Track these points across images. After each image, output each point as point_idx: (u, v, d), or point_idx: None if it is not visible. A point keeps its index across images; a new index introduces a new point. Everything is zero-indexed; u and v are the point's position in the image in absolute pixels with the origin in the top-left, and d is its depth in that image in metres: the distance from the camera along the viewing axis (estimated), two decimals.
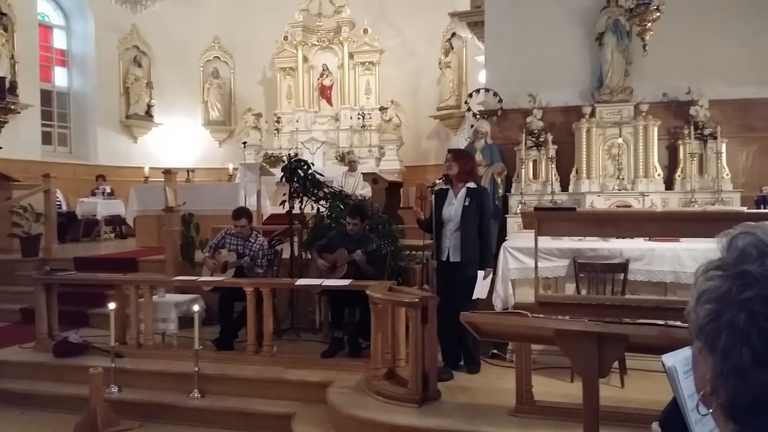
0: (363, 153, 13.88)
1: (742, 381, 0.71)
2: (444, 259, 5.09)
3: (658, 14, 6.89)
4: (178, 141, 15.44)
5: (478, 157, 7.46)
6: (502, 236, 6.68)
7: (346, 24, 14.63)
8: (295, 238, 6.90)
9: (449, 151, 5.52)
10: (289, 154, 8.58)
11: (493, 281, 5.14)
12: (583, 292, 5.13)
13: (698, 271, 0.81)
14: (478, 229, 5.01)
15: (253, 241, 6.26)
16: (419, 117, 14.81)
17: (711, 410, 0.76)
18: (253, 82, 15.94)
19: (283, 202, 6.96)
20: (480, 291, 4.91)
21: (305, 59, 14.90)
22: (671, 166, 7.59)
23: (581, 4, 7.87)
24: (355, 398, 4.58)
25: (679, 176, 7.44)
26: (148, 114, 15.11)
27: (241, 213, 6.32)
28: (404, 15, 14.56)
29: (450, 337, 5.00)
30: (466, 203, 5.03)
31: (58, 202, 10.14)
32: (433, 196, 5.20)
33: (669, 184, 7.46)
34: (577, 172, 7.64)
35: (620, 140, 7.48)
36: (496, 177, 7.76)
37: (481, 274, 4.93)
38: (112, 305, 5.45)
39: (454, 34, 13.45)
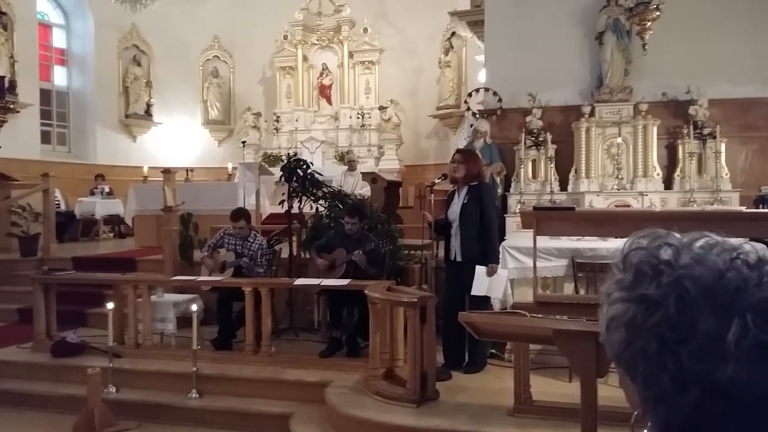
0: (362, 152, 13.86)
1: (668, 405, 0.70)
2: (452, 258, 5.10)
3: (657, 14, 6.89)
4: (177, 140, 15.43)
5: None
6: (501, 236, 6.67)
7: (346, 23, 14.61)
8: (294, 238, 6.89)
9: (458, 151, 5.48)
10: (289, 154, 8.58)
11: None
12: (582, 291, 5.13)
13: (603, 293, 0.79)
14: (480, 226, 4.98)
15: (251, 240, 6.25)
16: (419, 116, 14.79)
17: (646, 431, 0.75)
18: (252, 82, 15.93)
19: (282, 202, 6.95)
20: (479, 287, 4.88)
21: (305, 58, 14.88)
22: (670, 165, 7.59)
23: (581, 4, 7.87)
24: (354, 398, 4.58)
25: (678, 176, 7.45)
26: (148, 113, 15.10)
27: (240, 214, 6.30)
28: (404, 14, 14.54)
29: (454, 337, 4.99)
30: (465, 201, 5.03)
31: (56, 202, 10.12)
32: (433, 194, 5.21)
33: (668, 184, 7.46)
34: (576, 172, 7.64)
35: (619, 140, 7.48)
36: (495, 176, 7.76)
37: (481, 270, 4.91)
38: (110, 305, 5.44)
39: (453, 34, 13.44)
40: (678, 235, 0.76)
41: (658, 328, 0.70)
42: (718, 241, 0.74)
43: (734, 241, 0.74)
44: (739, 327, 0.67)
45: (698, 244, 0.74)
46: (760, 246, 0.81)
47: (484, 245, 4.97)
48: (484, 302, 4.92)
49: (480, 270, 4.90)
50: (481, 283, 4.90)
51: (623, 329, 0.73)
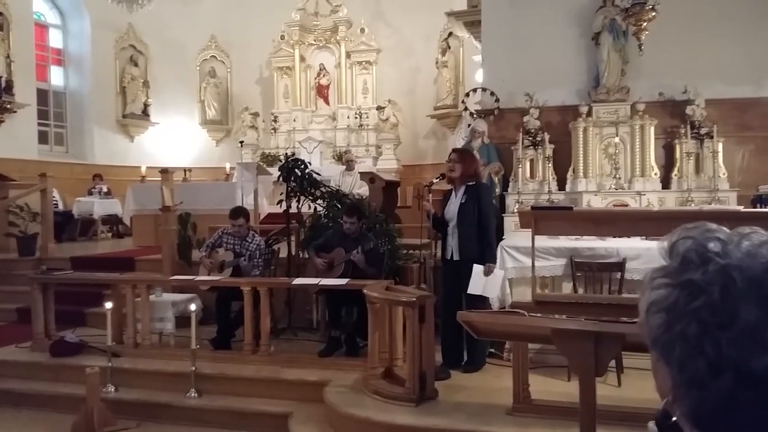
0: (360, 152, 13.88)
1: (701, 390, 0.71)
2: (449, 258, 5.12)
3: (653, 14, 6.91)
4: (174, 140, 15.42)
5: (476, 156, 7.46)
6: (499, 235, 6.68)
7: (343, 23, 14.62)
8: (293, 238, 6.89)
9: (454, 150, 5.50)
10: (286, 154, 8.59)
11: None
12: (580, 291, 5.14)
13: (645, 279, 0.80)
14: (478, 226, 5.00)
15: (250, 240, 6.26)
16: (416, 116, 14.81)
17: (675, 417, 0.76)
18: (250, 82, 15.92)
19: (280, 202, 6.95)
20: (476, 286, 4.90)
21: (302, 58, 14.89)
22: (668, 165, 7.61)
23: (577, 4, 7.88)
24: (353, 397, 4.58)
25: (675, 175, 7.47)
26: (145, 113, 15.08)
27: (238, 213, 6.31)
28: (401, 14, 14.55)
29: (452, 336, 5.00)
30: (463, 201, 5.04)
31: (54, 202, 10.10)
32: (431, 194, 5.22)
33: (665, 184, 7.48)
34: (573, 172, 7.65)
35: (617, 139, 7.49)
36: (493, 176, 7.77)
37: (479, 269, 4.92)
38: (108, 305, 5.44)
39: (451, 34, 13.45)
40: (728, 230, 0.77)
41: (700, 312, 0.71)
42: None
43: None
44: None
45: (747, 240, 0.75)
46: None
47: (482, 245, 4.98)
48: (481, 301, 4.93)
49: (477, 269, 4.91)
50: (478, 282, 4.91)
51: (663, 313, 0.75)
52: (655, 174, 7.47)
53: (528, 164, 7.84)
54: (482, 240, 4.99)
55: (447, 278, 5.17)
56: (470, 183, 5.11)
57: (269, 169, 10.76)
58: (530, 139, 7.76)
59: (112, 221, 12.15)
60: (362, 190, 10.13)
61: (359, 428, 4.27)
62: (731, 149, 7.49)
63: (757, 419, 0.69)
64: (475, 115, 8.38)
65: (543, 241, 5.29)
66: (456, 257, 5.05)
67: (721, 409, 0.71)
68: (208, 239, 6.56)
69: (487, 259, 4.96)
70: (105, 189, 12.19)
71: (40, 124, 13.27)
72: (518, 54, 8.06)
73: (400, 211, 10.55)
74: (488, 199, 5.23)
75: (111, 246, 10.50)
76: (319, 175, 7.08)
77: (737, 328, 0.69)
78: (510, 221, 7.22)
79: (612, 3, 7.66)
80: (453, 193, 5.18)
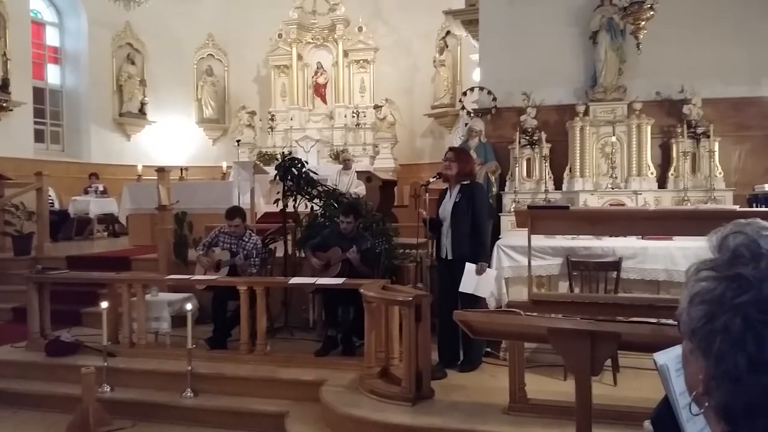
0: (357, 151, 13.88)
1: (736, 385, 0.71)
2: (443, 257, 5.12)
3: (651, 13, 6.90)
4: (171, 139, 15.39)
5: (472, 155, 7.45)
6: (495, 235, 6.68)
7: (341, 22, 14.60)
8: (289, 237, 6.88)
9: (451, 149, 5.49)
10: (283, 153, 8.58)
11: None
12: (577, 290, 5.14)
13: (690, 271, 0.79)
14: (471, 225, 5.00)
15: (246, 239, 6.25)
16: (414, 115, 14.80)
17: (702, 410, 0.75)
18: (247, 80, 15.91)
19: (276, 201, 6.94)
20: (467, 285, 4.89)
21: (299, 57, 14.87)
22: (664, 164, 7.61)
23: (575, 3, 7.88)
24: (349, 397, 4.58)
25: (672, 175, 7.47)
26: (142, 112, 15.06)
27: (235, 213, 6.30)
28: (399, 13, 14.55)
29: (448, 335, 5.00)
30: (457, 199, 5.04)
31: (50, 201, 10.09)
32: (428, 194, 5.22)
33: (662, 183, 7.48)
34: (570, 171, 7.65)
35: (614, 139, 7.49)
36: (489, 175, 7.77)
37: (471, 267, 4.92)
38: (104, 304, 5.42)
39: (448, 33, 13.44)
40: None
41: (747, 307, 0.70)
42: None
43: None
44: None
45: None
46: None
47: (475, 244, 4.99)
48: (476, 300, 4.93)
49: (469, 267, 4.91)
50: (470, 280, 4.90)
51: (707, 304, 0.74)
52: (652, 173, 7.47)
53: (525, 163, 7.84)
54: (475, 239, 4.98)
55: (441, 277, 5.17)
56: (465, 182, 5.11)
57: (266, 168, 10.76)
58: (527, 138, 7.76)
59: (108, 220, 12.13)
60: (359, 189, 10.12)
61: (355, 427, 4.26)
62: (728, 148, 7.49)
63: None
64: (472, 114, 8.37)
65: (539, 241, 5.29)
66: (450, 256, 5.06)
67: (756, 405, 0.70)
68: (205, 238, 6.55)
69: (480, 258, 4.96)
70: (101, 188, 12.17)
71: (36, 123, 13.24)
72: (516, 53, 8.06)
73: (397, 210, 10.57)
74: (482, 198, 5.23)
75: (107, 245, 10.48)
76: (316, 174, 7.07)
77: None
78: (506, 220, 7.22)
79: (610, 2, 7.65)
80: (448, 192, 5.18)
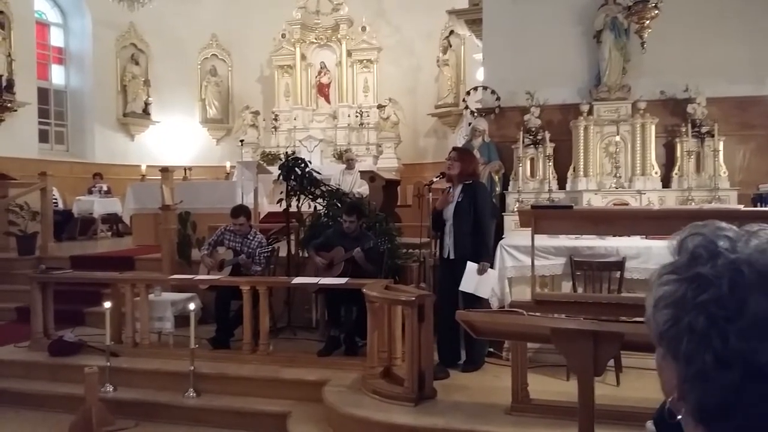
0: (361, 151, 13.87)
1: (707, 384, 0.71)
2: (446, 256, 5.11)
3: (656, 12, 6.88)
4: (175, 139, 15.41)
5: (476, 155, 7.44)
6: (499, 234, 6.67)
7: (344, 22, 14.60)
8: (292, 237, 6.88)
9: (454, 149, 5.48)
10: (287, 152, 8.57)
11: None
12: (580, 290, 5.12)
13: (653, 276, 0.80)
14: (473, 225, 4.99)
15: (251, 238, 6.25)
16: (417, 115, 14.79)
17: (680, 416, 0.75)
18: (250, 80, 15.92)
19: (280, 200, 6.94)
20: (468, 284, 4.88)
21: (303, 57, 14.87)
22: (668, 164, 7.59)
23: (579, 2, 7.86)
24: (352, 397, 4.57)
25: (676, 174, 7.44)
26: (146, 112, 15.08)
27: (240, 211, 6.31)
28: (402, 13, 14.54)
29: (448, 335, 4.99)
30: (459, 199, 5.04)
31: (54, 201, 10.11)
32: (432, 193, 5.21)
33: (666, 182, 7.46)
34: (574, 170, 7.63)
35: (618, 138, 7.47)
36: (493, 175, 7.75)
37: (472, 266, 4.91)
38: (107, 304, 5.43)
39: (452, 32, 13.44)
40: (737, 228, 0.77)
41: (708, 305, 0.71)
42: None
43: None
44: None
45: (756, 238, 0.75)
46: None
47: (477, 243, 4.98)
48: (479, 300, 4.91)
49: (470, 267, 4.91)
50: (471, 279, 4.90)
51: (671, 307, 0.75)
52: (656, 173, 7.45)
53: (528, 163, 7.82)
54: (477, 238, 4.97)
55: (443, 277, 5.16)
56: (467, 182, 5.10)
57: (269, 168, 10.76)
58: (531, 137, 7.75)
59: (112, 220, 12.15)
60: (362, 189, 10.11)
61: (358, 428, 4.26)
62: (732, 148, 7.46)
63: (764, 413, 0.69)
64: (475, 114, 8.36)
65: (543, 240, 5.27)
66: (452, 255, 5.05)
67: (728, 404, 0.70)
68: (209, 238, 6.55)
69: (482, 257, 4.95)
70: (105, 188, 12.19)
71: (40, 123, 13.27)
72: (519, 52, 8.04)
73: (401, 210, 10.55)
74: (485, 198, 5.22)
75: (110, 245, 10.50)
76: (320, 173, 7.06)
77: (745, 321, 0.69)
78: (510, 220, 7.21)
79: (614, 1, 7.63)
80: (451, 191, 5.17)
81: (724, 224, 0.78)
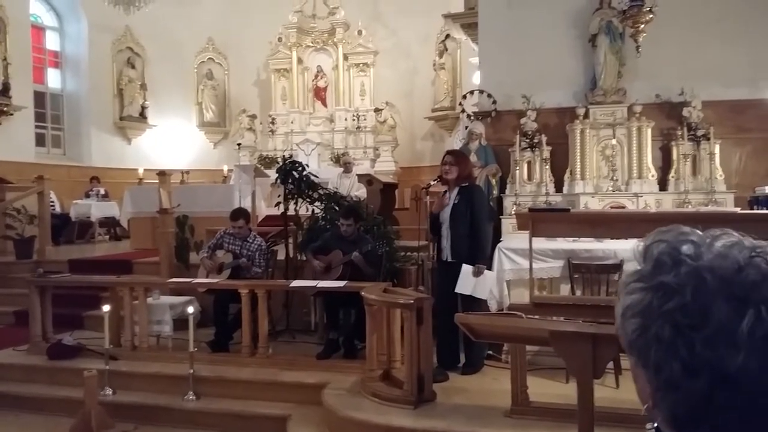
0: (358, 154, 13.89)
1: (677, 393, 0.71)
2: (443, 259, 5.13)
3: (651, 16, 6.91)
4: (172, 142, 15.40)
5: (473, 158, 7.46)
6: (496, 237, 6.69)
7: (341, 25, 14.63)
8: (290, 240, 6.89)
9: (448, 152, 5.51)
10: (284, 156, 8.58)
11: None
12: (578, 292, 5.14)
13: (620, 284, 0.80)
14: (470, 227, 5.01)
15: (251, 241, 6.27)
16: (414, 118, 14.82)
17: (656, 423, 0.76)
18: (247, 84, 15.93)
19: (277, 204, 6.95)
20: (464, 286, 4.90)
21: (299, 61, 14.89)
22: (665, 167, 7.62)
23: (574, 6, 7.90)
24: (351, 400, 4.58)
25: (672, 177, 7.48)
26: (142, 115, 15.07)
27: (239, 214, 6.33)
28: (398, 16, 14.57)
29: (447, 338, 5.00)
30: (456, 202, 5.06)
31: (51, 204, 10.10)
32: (429, 196, 5.23)
33: (662, 185, 7.50)
34: (571, 173, 7.66)
35: (614, 141, 7.51)
36: (490, 178, 7.78)
37: (467, 269, 4.93)
38: (106, 307, 5.44)
39: (448, 36, 13.47)
40: (700, 233, 0.77)
41: (673, 314, 0.71)
42: (740, 239, 0.76)
43: (755, 240, 0.76)
44: (753, 318, 0.68)
45: (720, 241, 0.75)
46: None
47: (473, 246, 5.00)
48: (477, 303, 4.94)
49: (466, 269, 4.93)
50: (466, 281, 4.92)
51: (638, 316, 0.75)
52: (652, 176, 7.49)
53: (525, 166, 7.85)
54: (474, 241, 5.00)
55: (441, 279, 5.19)
56: (464, 185, 5.13)
57: (267, 172, 10.76)
58: (527, 141, 7.77)
59: (110, 224, 12.13)
60: (360, 192, 10.13)
61: (357, 431, 4.27)
62: (728, 151, 7.50)
63: (734, 420, 0.69)
64: (472, 117, 8.39)
65: (540, 243, 5.29)
66: (449, 259, 5.07)
67: (698, 411, 0.71)
68: (208, 241, 6.56)
69: (478, 260, 4.98)
70: (102, 191, 12.17)
71: (37, 127, 13.26)
72: (515, 56, 8.07)
73: (398, 213, 10.57)
74: (481, 200, 5.25)
75: (108, 248, 10.49)
76: (317, 177, 7.08)
77: (710, 328, 0.69)
78: (507, 223, 7.23)
79: (609, 5, 7.67)
80: (447, 194, 5.20)
81: (687, 229, 0.78)
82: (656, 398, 0.75)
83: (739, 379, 0.68)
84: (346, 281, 5.46)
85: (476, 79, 9.57)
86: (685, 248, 0.75)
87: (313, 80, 15.11)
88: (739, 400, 0.69)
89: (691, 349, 0.70)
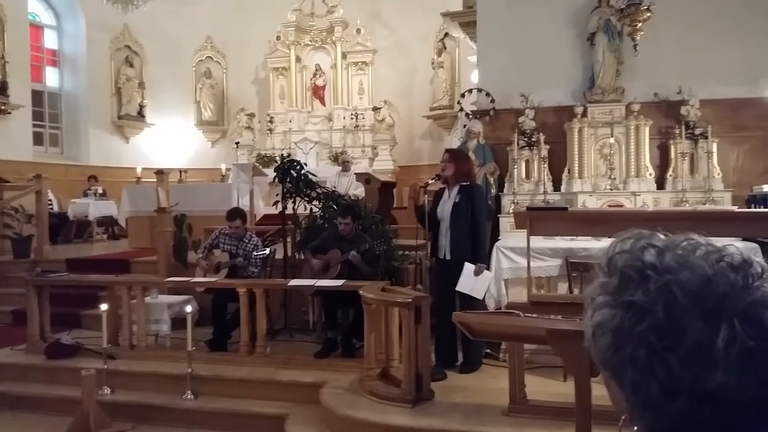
0: (356, 153, 13.86)
1: (656, 413, 0.71)
2: (441, 257, 5.13)
3: (648, 14, 6.92)
4: (170, 141, 15.39)
5: (471, 157, 7.46)
6: (494, 236, 6.69)
7: (339, 24, 14.61)
8: (288, 239, 6.89)
9: (447, 150, 5.51)
10: (282, 155, 8.58)
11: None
12: (576, 291, 5.15)
13: (587, 296, 0.78)
14: (470, 226, 5.02)
15: (247, 241, 6.26)
16: (412, 117, 14.81)
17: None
18: (245, 82, 15.91)
19: (276, 203, 6.95)
20: (465, 285, 4.91)
21: (298, 59, 14.88)
22: (662, 165, 7.63)
23: (573, 5, 7.89)
24: (349, 399, 4.59)
25: (670, 176, 7.49)
26: (140, 114, 15.05)
27: (236, 214, 6.32)
28: (397, 15, 14.56)
29: (445, 336, 5.01)
30: (457, 200, 5.06)
31: (49, 203, 10.08)
32: (426, 195, 5.23)
33: (660, 184, 7.50)
34: (569, 172, 7.66)
35: (612, 140, 7.51)
36: (488, 177, 7.77)
37: (469, 267, 4.94)
38: (104, 306, 5.43)
39: (446, 34, 13.46)
40: (662, 236, 0.76)
41: (647, 335, 0.69)
42: (702, 242, 0.74)
43: (717, 242, 0.75)
44: (727, 333, 0.67)
45: (682, 245, 0.74)
46: (742, 246, 0.81)
47: (474, 244, 5.01)
48: (475, 301, 4.94)
49: (468, 268, 4.94)
50: (467, 280, 4.93)
51: (610, 335, 0.73)
52: (650, 174, 7.49)
53: (523, 165, 7.85)
54: (474, 240, 5.00)
55: (439, 278, 5.19)
56: (464, 183, 5.13)
57: (265, 170, 10.76)
58: (525, 139, 7.77)
59: (108, 223, 12.12)
60: (358, 191, 10.12)
61: (355, 429, 4.27)
62: (726, 149, 7.51)
63: None
64: (470, 116, 8.39)
65: (538, 242, 5.29)
66: (448, 256, 5.08)
67: (679, 427, 0.70)
68: (205, 241, 6.56)
69: (479, 259, 4.98)
70: (100, 190, 12.16)
71: (35, 125, 13.24)
72: (513, 55, 8.07)
73: (396, 212, 10.56)
74: (482, 200, 5.26)
75: (106, 248, 10.48)
76: (315, 176, 7.08)
77: (685, 348, 0.68)
78: (505, 222, 7.23)
79: (607, 3, 7.66)
80: (446, 192, 5.20)
81: (646, 232, 0.76)
82: (634, 414, 0.74)
83: (718, 396, 0.67)
84: (344, 280, 5.46)
85: (475, 77, 9.57)
86: (649, 257, 0.73)
87: (311, 79, 15.10)
88: (718, 417, 0.68)
89: (668, 370, 0.68)
